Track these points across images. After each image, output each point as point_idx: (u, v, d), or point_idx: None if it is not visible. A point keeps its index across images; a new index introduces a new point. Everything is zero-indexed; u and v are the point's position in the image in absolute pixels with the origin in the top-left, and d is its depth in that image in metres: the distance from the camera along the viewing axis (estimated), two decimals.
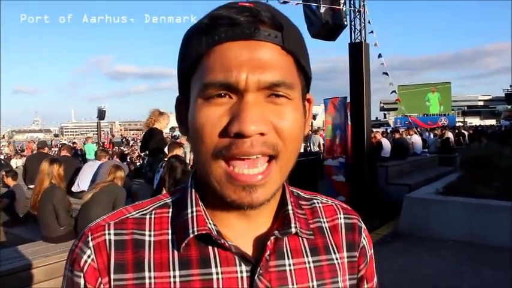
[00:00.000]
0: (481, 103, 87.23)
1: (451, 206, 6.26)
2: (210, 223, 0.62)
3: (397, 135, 13.58)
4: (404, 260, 5.31)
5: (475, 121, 61.70)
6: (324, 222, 0.72)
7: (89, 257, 0.61)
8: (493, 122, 57.38)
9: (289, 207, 0.66)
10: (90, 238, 0.62)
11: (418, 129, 20.58)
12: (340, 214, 0.75)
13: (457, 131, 19.50)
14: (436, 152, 14.39)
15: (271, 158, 0.58)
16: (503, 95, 40.82)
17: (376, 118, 62.43)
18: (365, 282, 0.74)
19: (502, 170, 6.74)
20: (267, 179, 0.57)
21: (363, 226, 0.76)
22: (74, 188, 7.65)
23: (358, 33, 8.50)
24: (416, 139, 13.22)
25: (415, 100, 42.50)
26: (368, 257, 0.75)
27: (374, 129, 14.48)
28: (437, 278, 4.68)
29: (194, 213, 0.62)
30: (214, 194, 0.60)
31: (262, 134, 0.55)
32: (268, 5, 0.60)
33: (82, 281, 0.60)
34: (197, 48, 0.58)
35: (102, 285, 0.60)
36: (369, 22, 8.60)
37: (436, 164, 12.64)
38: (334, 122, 8.64)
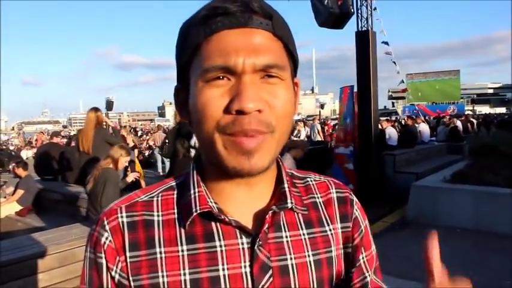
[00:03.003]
0: (491, 91, 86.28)
1: (458, 194, 6.27)
2: (211, 201, 0.67)
3: (409, 121, 13.54)
4: (411, 247, 5.33)
5: (484, 109, 61.12)
6: (318, 198, 0.78)
7: (106, 238, 0.67)
8: (503, 110, 56.79)
9: (285, 185, 0.72)
10: (106, 222, 0.68)
11: (426, 118, 20.44)
12: (332, 189, 0.80)
13: (465, 119, 19.33)
14: (444, 140, 14.32)
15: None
16: None
17: (385, 107, 62.11)
18: (362, 251, 0.79)
19: (510, 158, 6.71)
20: (263, 146, 0.62)
21: (355, 199, 0.81)
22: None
23: (365, 21, 8.45)
24: (423, 127, 13.13)
25: (424, 89, 42.18)
26: (362, 227, 0.80)
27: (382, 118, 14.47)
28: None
29: (196, 194, 0.68)
30: (217, 167, 0.65)
31: (259, 111, 0.61)
32: None
33: (104, 261, 0.66)
34: (196, 38, 0.63)
35: (120, 263, 0.66)
36: (375, 9, 8.55)
37: (445, 152, 12.57)
38: (345, 110, 8.64)
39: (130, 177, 5.76)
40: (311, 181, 0.80)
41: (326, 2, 8.00)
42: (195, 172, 0.71)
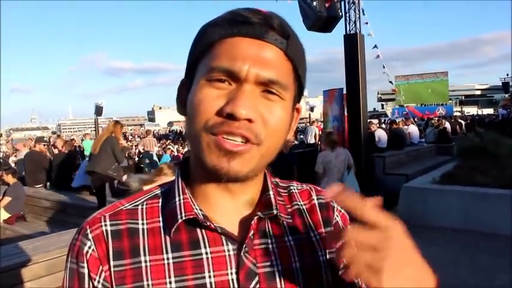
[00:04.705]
0: (479, 92, 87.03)
1: (447, 195, 6.32)
2: (196, 208, 0.67)
3: (394, 126, 13.64)
4: None
5: (472, 110, 61.57)
6: (302, 205, 0.78)
7: (89, 247, 0.65)
8: (490, 111, 57.26)
9: (271, 192, 0.72)
10: (88, 231, 0.66)
11: (415, 119, 20.55)
12: (314, 196, 0.80)
13: (453, 120, 19.50)
14: (433, 141, 14.43)
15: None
16: (500, 84, 40.56)
17: (374, 109, 62.48)
18: None
19: (498, 159, 6.77)
20: (245, 154, 0.62)
21: (336, 206, 0.80)
22: (74, 184, 7.70)
23: (353, 25, 8.52)
24: (413, 129, 13.27)
25: (412, 90, 42.49)
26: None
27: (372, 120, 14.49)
28: (434, 266, 4.70)
29: (182, 201, 0.68)
30: (200, 166, 0.65)
31: (250, 121, 0.61)
32: (280, 17, 0.67)
33: (86, 271, 0.64)
34: (210, 38, 0.65)
35: (103, 273, 0.64)
36: (363, 13, 8.62)
37: (434, 153, 12.69)
38: (333, 113, 8.66)
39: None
40: (294, 189, 0.80)
41: (314, 5, 8.05)
42: (179, 179, 0.71)
